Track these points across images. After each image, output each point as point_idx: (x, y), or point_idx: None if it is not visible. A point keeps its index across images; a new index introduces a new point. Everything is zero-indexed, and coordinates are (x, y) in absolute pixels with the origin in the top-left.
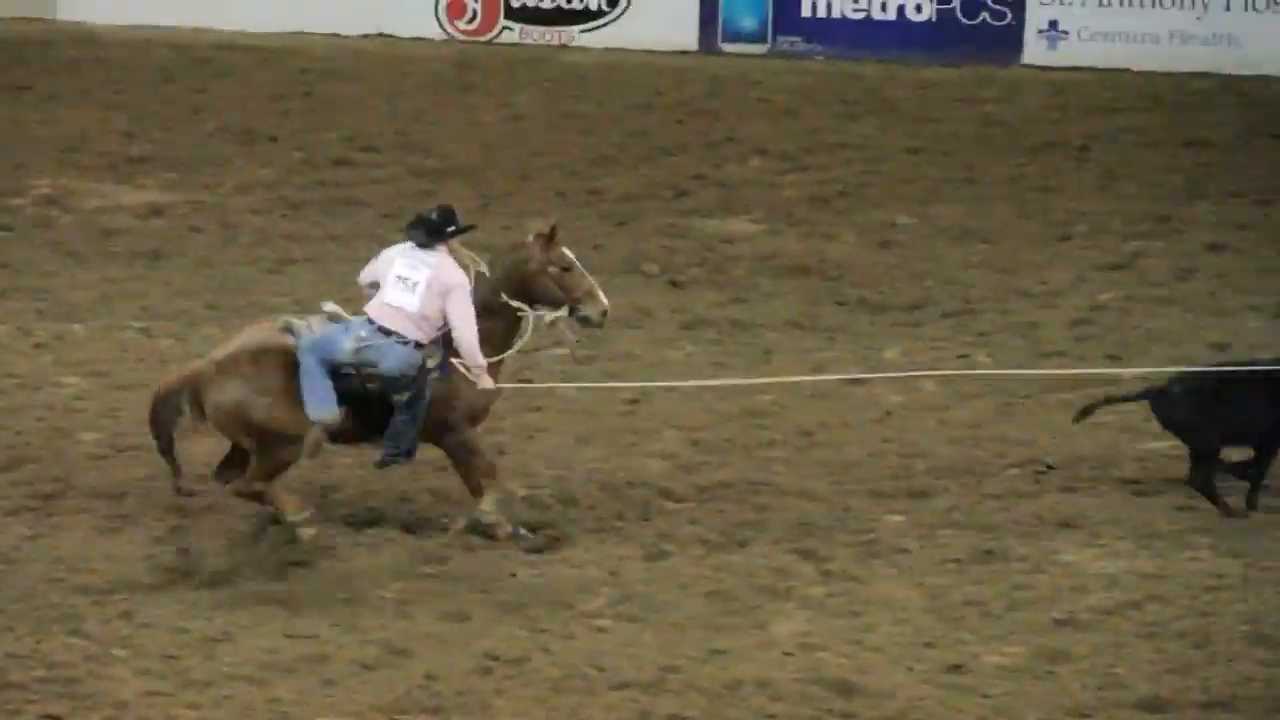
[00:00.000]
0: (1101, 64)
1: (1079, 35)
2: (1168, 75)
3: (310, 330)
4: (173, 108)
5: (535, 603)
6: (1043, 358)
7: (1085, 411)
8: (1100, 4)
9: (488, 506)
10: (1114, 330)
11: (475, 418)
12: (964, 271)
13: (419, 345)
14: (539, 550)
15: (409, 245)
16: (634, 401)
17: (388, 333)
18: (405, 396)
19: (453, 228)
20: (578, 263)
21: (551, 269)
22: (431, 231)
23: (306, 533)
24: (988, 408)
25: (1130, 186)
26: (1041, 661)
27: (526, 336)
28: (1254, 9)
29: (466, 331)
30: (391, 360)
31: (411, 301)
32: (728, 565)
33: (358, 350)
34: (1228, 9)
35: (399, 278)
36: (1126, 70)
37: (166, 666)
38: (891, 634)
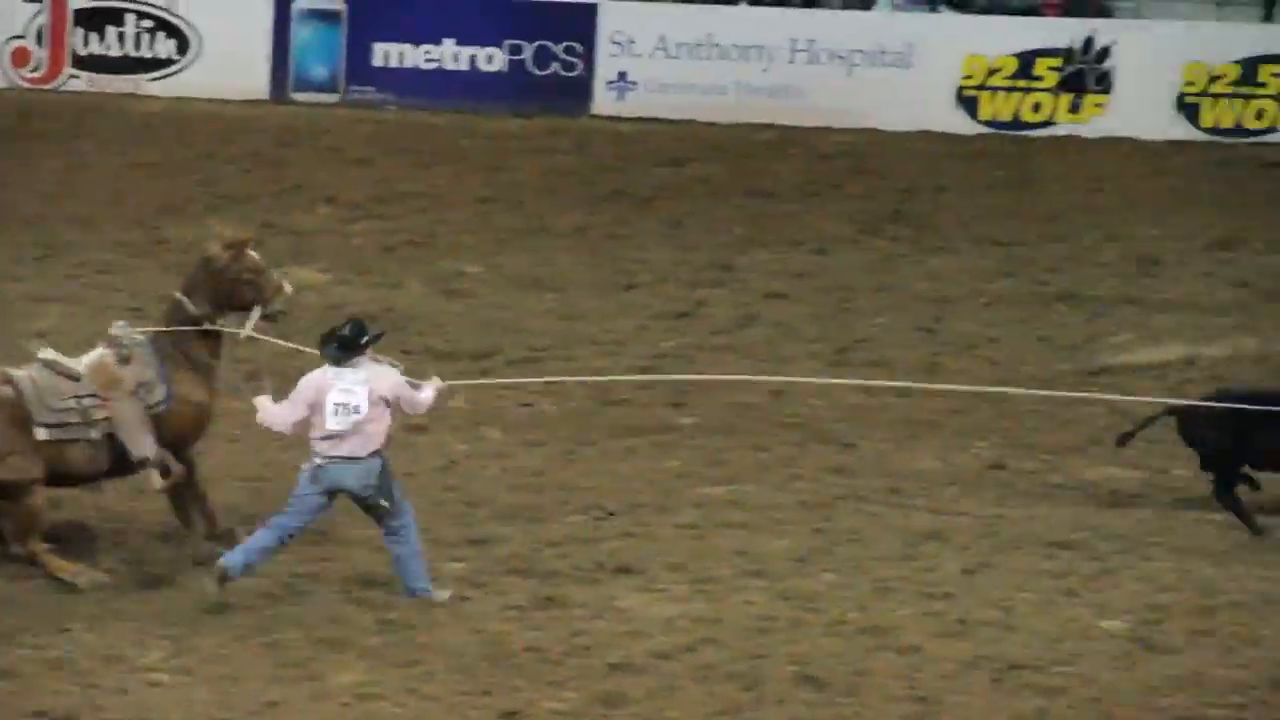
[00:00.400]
0: (670, 115)
1: (647, 87)
2: (733, 126)
3: (32, 381)
4: None
5: (88, 657)
6: (607, 405)
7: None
8: (668, 56)
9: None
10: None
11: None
12: (531, 320)
13: (374, 454)
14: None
15: (329, 370)
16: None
17: (343, 459)
18: (384, 504)
19: (366, 338)
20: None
21: (247, 275)
22: (346, 347)
23: (95, 579)
24: (552, 455)
25: (695, 236)
26: (596, 706)
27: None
28: (817, 62)
29: (420, 400)
30: (351, 478)
31: (348, 422)
32: (286, 616)
33: (315, 479)
34: (791, 62)
35: (336, 405)
36: (693, 121)
37: None
38: (449, 682)
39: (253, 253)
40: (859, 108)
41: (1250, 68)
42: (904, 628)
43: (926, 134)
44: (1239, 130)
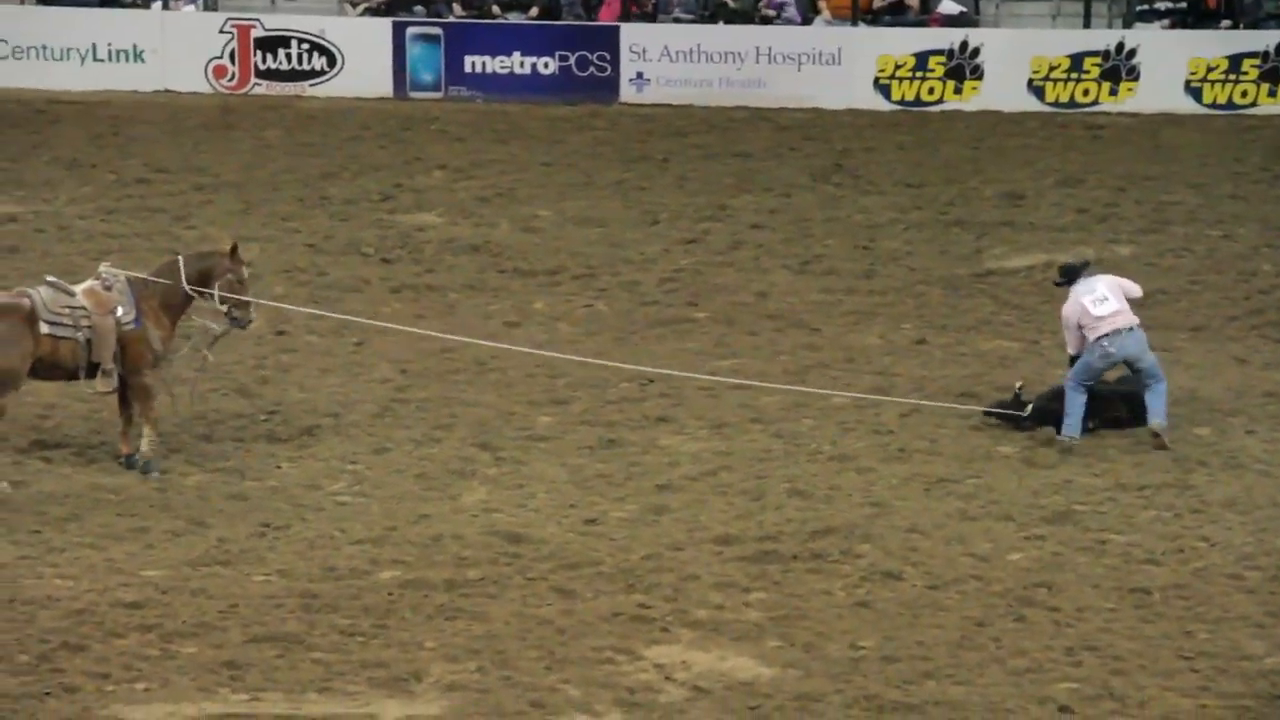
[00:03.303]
0: (675, 101)
1: (658, 81)
2: (719, 108)
3: (39, 294)
4: (19, 146)
5: (294, 486)
6: (643, 305)
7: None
8: (671, 60)
9: (151, 437)
10: (690, 285)
11: (156, 364)
12: (586, 247)
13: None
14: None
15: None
16: (359, 343)
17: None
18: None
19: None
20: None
21: (230, 276)
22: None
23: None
24: (606, 341)
25: (697, 185)
26: (649, 514)
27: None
28: (775, 62)
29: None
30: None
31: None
32: (430, 456)
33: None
34: (757, 62)
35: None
36: (691, 105)
37: (34, 538)
38: (545, 500)
39: (245, 267)
40: (806, 94)
41: (1077, 60)
42: (861, 455)
43: (855, 111)
44: (1072, 103)
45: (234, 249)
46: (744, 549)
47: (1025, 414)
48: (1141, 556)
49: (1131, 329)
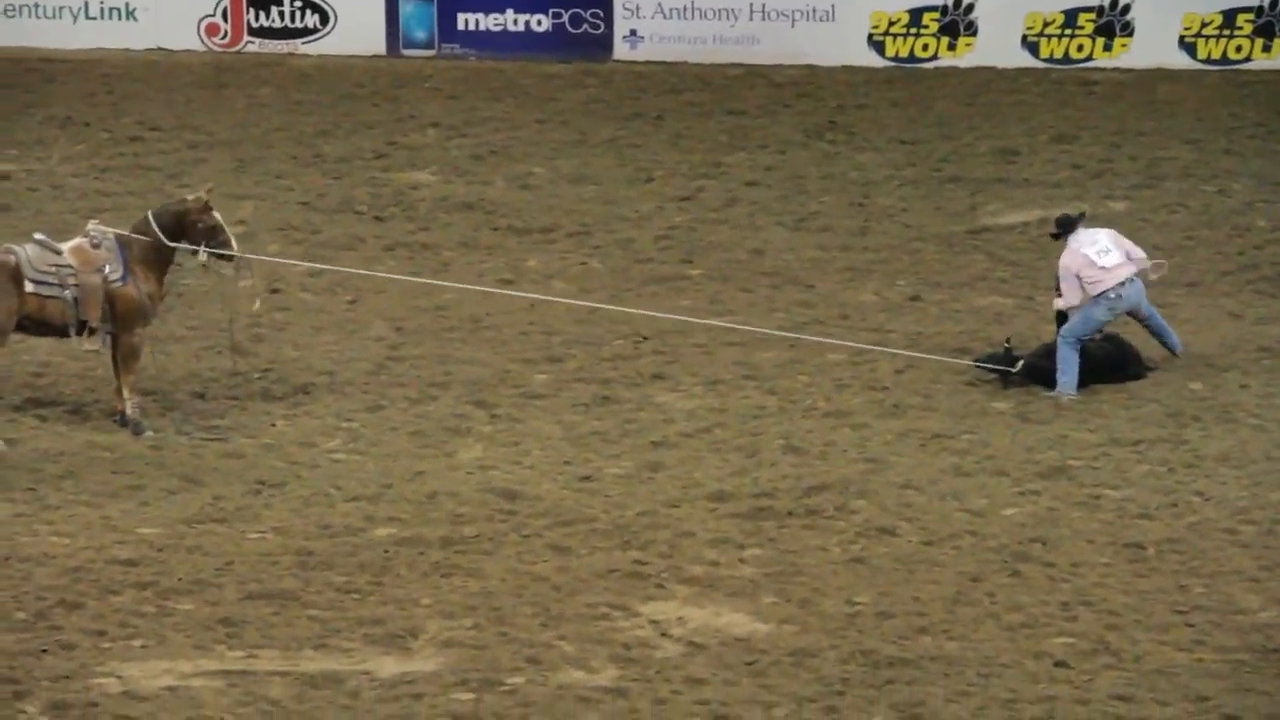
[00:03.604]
0: (669, 59)
1: (652, 39)
2: (713, 65)
3: (25, 251)
4: (11, 104)
5: (290, 443)
6: (637, 263)
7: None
8: (665, 17)
9: (132, 399)
10: (685, 243)
11: (146, 322)
12: (580, 205)
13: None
14: (141, 432)
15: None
16: (353, 301)
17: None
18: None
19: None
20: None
21: (200, 225)
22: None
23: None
24: (602, 298)
25: (691, 143)
26: (645, 471)
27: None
28: (769, 19)
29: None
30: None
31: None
32: (425, 413)
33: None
34: (750, 19)
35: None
36: (685, 63)
37: (29, 495)
38: (540, 456)
39: (215, 212)
40: (801, 50)
41: (1072, 15)
42: (856, 411)
43: (849, 68)
44: (1066, 59)
45: (206, 204)
46: (739, 505)
47: (1016, 369)
48: (1136, 511)
49: (1133, 279)
